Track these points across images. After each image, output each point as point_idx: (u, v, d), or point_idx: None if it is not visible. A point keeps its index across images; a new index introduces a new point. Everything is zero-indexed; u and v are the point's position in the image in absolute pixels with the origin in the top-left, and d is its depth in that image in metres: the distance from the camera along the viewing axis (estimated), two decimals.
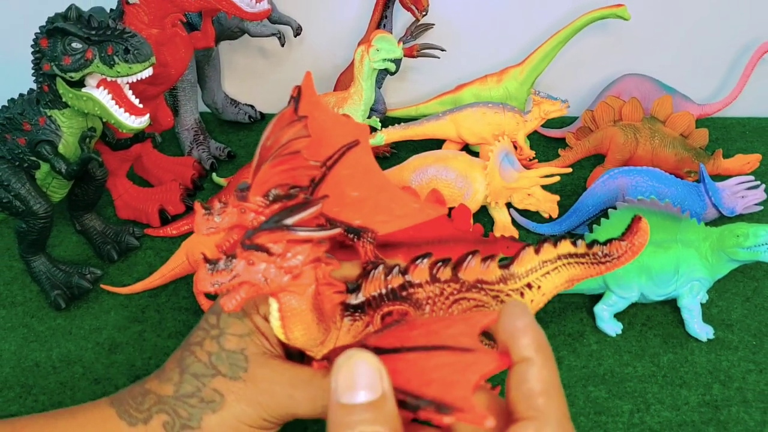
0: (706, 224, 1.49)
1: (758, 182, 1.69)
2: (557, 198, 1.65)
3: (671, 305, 1.50)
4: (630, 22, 1.93)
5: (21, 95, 1.52)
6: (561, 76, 2.11)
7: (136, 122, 1.44)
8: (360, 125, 1.14)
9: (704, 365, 1.40)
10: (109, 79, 1.39)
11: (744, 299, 1.54)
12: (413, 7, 1.88)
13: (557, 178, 1.64)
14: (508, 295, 1.04)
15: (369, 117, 1.80)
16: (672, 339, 1.46)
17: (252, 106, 2.15)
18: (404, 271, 1.01)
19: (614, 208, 1.48)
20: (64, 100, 1.43)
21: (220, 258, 0.86)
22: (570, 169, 1.70)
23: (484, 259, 1.04)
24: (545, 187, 1.66)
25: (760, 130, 2.11)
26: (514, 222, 1.72)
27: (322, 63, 2.14)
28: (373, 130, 1.83)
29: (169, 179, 1.82)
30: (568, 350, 1.44)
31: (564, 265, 1.08)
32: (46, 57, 1.39)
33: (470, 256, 1.03)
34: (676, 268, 1.42)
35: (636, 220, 1.11)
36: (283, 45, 1.99)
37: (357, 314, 0.99)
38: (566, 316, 1.50)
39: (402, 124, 1.87)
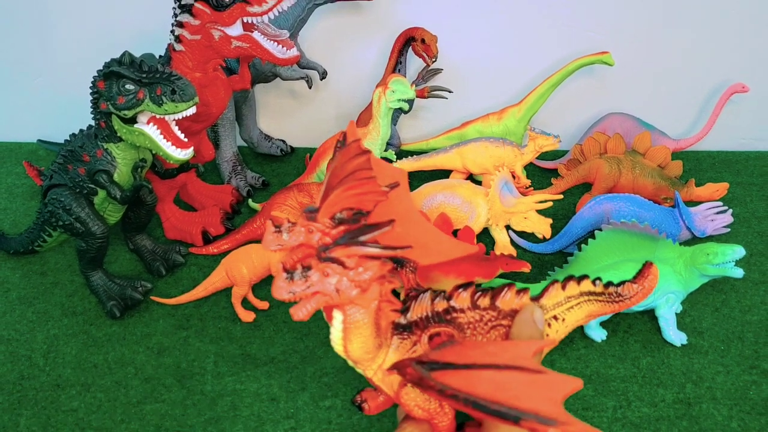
0: (681, 244, 1.50)
1: (726, 207, 1.69)
2: (550, 221, 1.65)
3: (650, 315, 1.50)
4: (614, 68, 1.94)
5: (81, 130, 1.54)
6: (554, 114, 2.11)
7: (182, 154, 1.45)
8: (399, 170, 1.14)
9: (679, 367, 1.40)
10: (158, 116, 1.40)
11: (713, 309, 1.54)
12: (424, 54, 1.89)
13: (550, 204, 1.64)
14: None
15: (385, 150, 1.80)
16: (650, 344, 1.46)
17: (283, 141, 2.16)
18: (448, 297, 1.01)
19: (600, 229, 1.48)
20: (118, 134, 1.44)
21: (296, 268, 0.84)
22: (561, 196, 1.70)
23: (518, 292, 1.03)
24: (539, 212, 1.66)
25: (727, 162, 2.10)
26: (512, 242, 1.72)
27: (344, 103, 2.15)
28: (389, 161, 1.83)
29: (210, 204, 1.83)
30: (559, 354, 1.44)
31: (585, 301, 1.08)
32: (103, 97, 1.40)
33: (506, 289, 1.03)
34: None
35: (647, 266, 1.11)
36: (310, 87, 2.00)
37: (405, 333, 0.98)
38: None
39: (414, 156, 1.89)
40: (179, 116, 1.41)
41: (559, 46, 2.02)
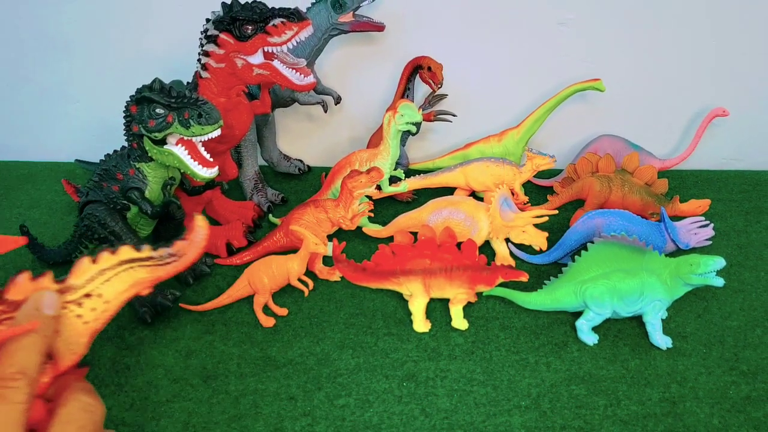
0: (666, 255, 1.49)
1: (708, 222, 1.70)
2: (546, 234, 1.66)
3: (638, 320, 1.50)
4: (605, 94, 1.95)
5: (115, 151, 1.55)
6: (550, 136, 2.12)
7: (208, 173, 1.46)
8: None
9: (664, 369, 1.40)
10: (185, 138, 1.42)
11: (696, 316, 1.54)
12: (431, 81, 1.90)
13: (546, 219, 1.65)
14: (64, 307, 0.91)
15: (395, 169, 1.81)
16: (638, 347, 1.45)
17: (301, 161, 2.17)
18: None
19: (592, 242, 1.49)
20: (149, 155, 1.46)
21: None
22: (556, 211, 1.70)
23: (35, 278, 0.89)
24: (536, 226, 1.67)
25: (709, 180, 2.11)
26: (511, 253, 1.72)
27: (357, 125, 2.16)
28: (398, 179, 1.84)
29: (234, 219, 1.83)
30: (555, 356, 1.44)
31: (126, 270, 0.96)
32: (135, 120, 1.42)
33: (19, 276, 0.88)
34: (641, 290, 1.43)
35: (191, 218, 0.99)
36: (326, 111, 2.01)
37: None
38: (553, 329, 1.51)
39: (422, 174, 1.89)
40: (205, 138, 1.42)
41: (554, 73, 2.03)
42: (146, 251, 0.94)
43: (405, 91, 1.95)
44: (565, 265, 1.58)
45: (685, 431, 1.28)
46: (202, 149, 1.47)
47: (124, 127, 1.47)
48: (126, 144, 1.51)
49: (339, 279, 1.66)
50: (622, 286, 1.44)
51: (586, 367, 1.42)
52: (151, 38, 2.04)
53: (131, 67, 2.07)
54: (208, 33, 1.54)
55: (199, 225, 0.97)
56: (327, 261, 1.72)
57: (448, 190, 1.90)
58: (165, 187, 1.53)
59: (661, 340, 1.46)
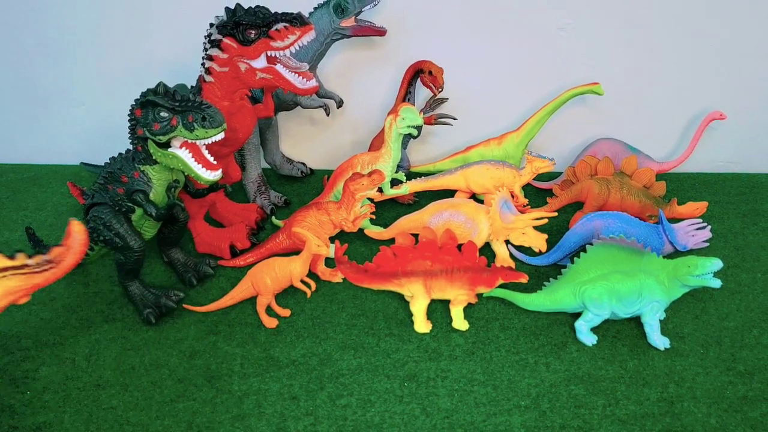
0: (664, 257, 1.50)
1: (705, 224, 1.69)
2: (545, 236, 1.66)
3: (636, 321, 1.51)
4: (603, 97, 1.95)
5: (119, 154, 1.54)
6: (549, 139, 2.11)
7: (212, 176, 1.46)
8: None
9: (662, 369, 1.41)
10: (189, 141, 1.41)
11: (694, 317, 1.54)
12: (432, 85, 1.90)
13: (545, 221, 1.65)
14: None
15: (396, 172, 1.81)
16: (637, 348, 1.46)
17: (304, 164, 2.16)
18: None
19: (591, 244, 1.49)
20: (154, 157, 1.45)
21: None
22: (556, 214, 1.71)
23: None
24: (536, 227, 1.67)
25: (707, 183, 2.11)
26: (511, 255, 1.72)
27: (359, 129, 2.16)
28: (400, 182, 1.84)
29: (237, 221, 1.83)
30: (554, 357, 1.44)
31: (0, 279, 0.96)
32: (140, 124, 1.42)
33: None
34: (639, 292, 1.43)
35: (70, 224, 1.00)
36: (328, 115, 2.01)
37: None
38: (552, 330, 1.51)
39: (423, 177, 1.89)
40: (209, 141, 1.42)
41: (554, 77, 2.03)
42: (20, 259, 0.94)
43: (406, 94, 1.95)
44: (565, 266, 1.58)
45: (682, 431, 1.28)
46: (205, 152, 1.47)
47: (128, 130, 1.47)
48: (131, 147, 1.51)
49: (341, 280, 1.66)
50: (620, 288, 1.44)
51: (585, 367, 1.42)
52: (156, 42, 2.04)
53: (136, 70, 2.07)
54: (212, 37, 1.54)
55: (76, 230, 0.98)
56: (329, 262, 1.72)
57: (449, 193, 1.90)
58: (169, 190, 1.53)
59: (659, 340, 1.46)
